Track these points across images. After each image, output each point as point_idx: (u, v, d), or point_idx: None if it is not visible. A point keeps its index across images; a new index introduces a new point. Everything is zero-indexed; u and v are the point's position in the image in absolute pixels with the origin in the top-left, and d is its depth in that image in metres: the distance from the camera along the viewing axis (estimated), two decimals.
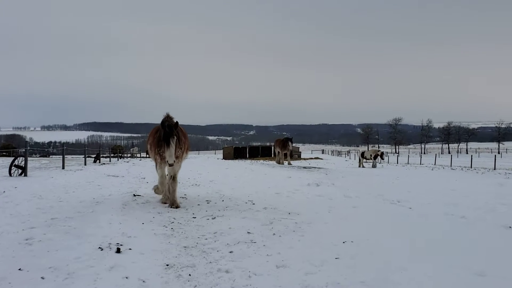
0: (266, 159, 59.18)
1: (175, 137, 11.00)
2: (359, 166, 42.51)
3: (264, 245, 7.46)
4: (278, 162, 43.70)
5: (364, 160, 43.27)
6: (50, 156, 75.77)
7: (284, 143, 43.85)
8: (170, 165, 10.72)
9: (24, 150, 22.61)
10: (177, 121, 11.54)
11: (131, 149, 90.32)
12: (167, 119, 11.42)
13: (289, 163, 42.74)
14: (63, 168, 28.41)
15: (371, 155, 42.48)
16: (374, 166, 41.38)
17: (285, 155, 43.99)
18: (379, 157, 42.15)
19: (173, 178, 11.97)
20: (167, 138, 10.78)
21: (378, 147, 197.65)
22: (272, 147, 66.20)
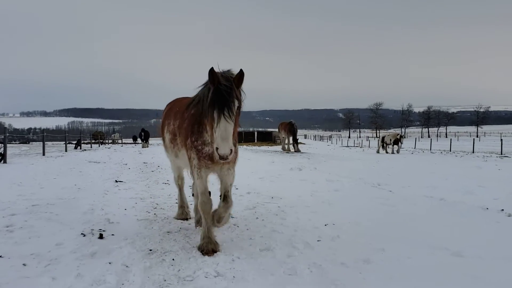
0: (249, 145, 59.07)
1: (236, 104, 5.55)
2: (377, 152, 38.84)
3: (247, 229, 7.52)
4: (284, 149, 38.01)
5: (384, 145, 39.67)
6: (30, 143, 74.61)
7: (290, 126, 37.76)
8: (222, 158, 5.25)
9: (3, 136, 22.21)
10: (240, 72, 5.64)
11: (113, 135, 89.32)
12: (222, 73, 5.71)
13: (296, 150, 36.44)
14: (43, 154, 28.08)
15: (391, 140, 38.80)
16: (397, 151, 37.66)
17: (294, 141, 37.45)
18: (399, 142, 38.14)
19: (225, 196, 6.42)
20: (223, 104, 5.37)
21: (359, 132, 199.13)
22: (273, 132, 64.51)
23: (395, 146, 38.18)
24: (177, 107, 7.39)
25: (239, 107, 5.54)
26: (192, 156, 6.26)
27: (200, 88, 6.03)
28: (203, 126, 5.97)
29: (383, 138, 40.30)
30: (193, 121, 6.17)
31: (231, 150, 5.18)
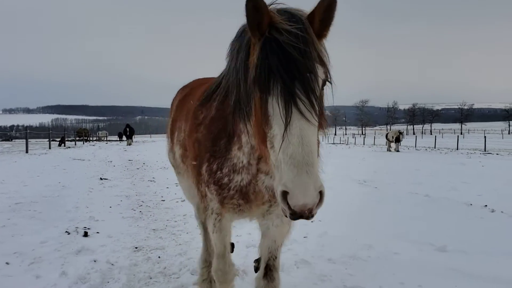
0: None
1: (321, 78, 2.45)
2: (387, 150, 37.86)
3: (234, 226, 7.49)
4: None
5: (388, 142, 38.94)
6: (13, 140, 73.65)
7: None
8: (300, 214, 2.20)
9: None
10: (328, 2, 2.42)
11: (99, 133, 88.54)
12: (281, 9, 2.56)
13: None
14: (26, 152, 27.70)
15: (392, 137, 37.94)
16: (396, 149, 37.18)
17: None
18: (399, 139, 37.59)
19: (270, 268, 3.76)
20: (292, 77, 2.32)
21: (346, 129, 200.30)
22: None
23: (396, 143, 37.67)
24: (194, 97, 4.16)
25: (324, 84, 2.50)
26: (207, 194, 3.47)
27: (227, 56, 3.05)
28: (235, 136, 3.14)
29: (386, 135, 39.80)
30: (214, 129, 3.32)
31: (320, 193, 2.21)
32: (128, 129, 50.93)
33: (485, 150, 35.62)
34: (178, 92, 5.43)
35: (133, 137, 52.73)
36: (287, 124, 2.24)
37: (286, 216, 2.26)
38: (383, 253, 5.90)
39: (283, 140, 2.23)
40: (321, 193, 2.19)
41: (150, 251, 6.07)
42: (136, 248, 6.21)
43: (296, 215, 2.20)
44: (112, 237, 6.71)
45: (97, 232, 7.01)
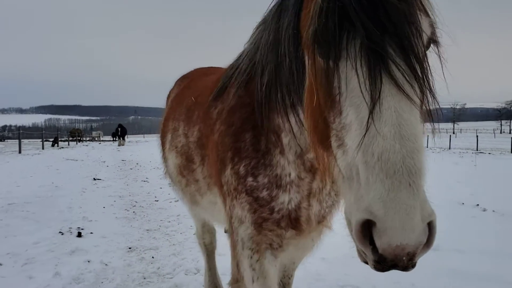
0: None
1: (426, 36, 1.55)
2: None
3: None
4: None
5: None
6: (6, 141, 73.34)
7: None
8: (396, 261, 1.32)
9: None
10: None
11: (93, 133, 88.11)
12: None
13: None
14: (19, 152, 27.55)
15: None
16: None
17: None
18: None
19: (287, 285, 3.38)
20: (382, 27, 1.44)
21: None
22: None
23: None
24: (197, 90, 3.47)
25: (428, 46, 1.62)
26: (235, 210, 2.50)
27: (255, 30, 2.51)
28: (270, 133, 2.37)
29: None
30: (235, 121, 2.52)
31: (429, 226, 1.36)
32: (120, 129, 50.25)
33: (477, 150, 35.83)
34: (175, 83, 4.56)
35: (125, 137, 52.17)
36: (374, 103, 1.39)
37: (365, 262, 1.46)
38: None
39: (366, 131, 1.38)
40: (431, 226, 1.34)
41: (144, 252, 6.07)
42: (129, 248, 6.21)
43: (385, 263, 1.32)
44: (105, 238, 6.70)
45: (91, 233, 7.00)
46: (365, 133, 1.39)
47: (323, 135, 1.65)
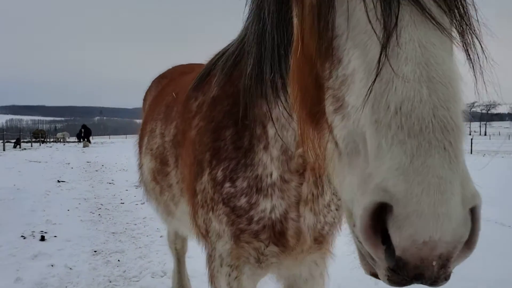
0: None
1: None
2: None
3: None
4: None
5: None
6: None
7: None
8: (422, 273, 0.92)
9: None
10: None
11: (58, 134, 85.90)
12: None
13: None
14: None
15: None
16: None
17: None
18: None
19: None
20: None
21: None
22: None
23: None
24: (177, 87, 3.20)
25: None
26: (211, 224, 2.18)
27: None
28: (255, 126, 2.02)
29: None
30: (216, 115, 2.19)
31: (472, 211, 0.93)
32: (84, 130, 49.14)
33: (471, 153, 36.55)
34: (152, 84, 4.23)
35: (90, 138, 51.11)
36: (388, 34, 1.02)
37: (373, 275, 1.07)
38: None
39: (377, 75, 0.99)
40: (474, 216, 0.94)
41: (110, 255, 6.01)
42: (95, 251, 6.13)
43: (406, 271, 0.93)
44: (70, 241, 6.59)
45: (55, 236, 6.87)
46: (375, 78, 0.99)
47: (313, 101, 1.25)
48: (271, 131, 1.91)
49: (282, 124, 1.84)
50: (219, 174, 2.03)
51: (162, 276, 5.22)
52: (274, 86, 1.75)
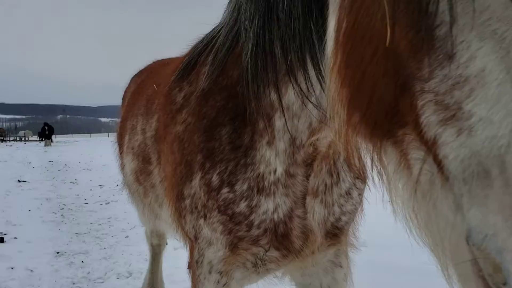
0: None
1: None
2: None
3: None
4: None
5: None
6: None
7: None
8: None
9: None
10: None
11: (20, 132, 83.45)
12: None
13: None
14: None
15: None
16: None
17: None
18: None
19: None
20: None
21: None
22: None
23: None
24: (159, 78, 2.89)
25: None
26: (202, 233, 1.97)
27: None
28: (258, 121, 1.78)
29: None
30: (208, 111, 1.93)
31: None
32: (47, 128, 47.90)
33: None
34: (131, 80, 4.03)
35: (53, 137, 49.89)
36: None
37: None
38: None
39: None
40: None
41: (73, 256, 5.88)
42: (57, 253, 6.00)
43: None
44: (31, 242, 6.42)
45: (15, 238, 6.69)
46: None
47: (381, 104, 0.96)
48: (279, 122, 1.69)
49: (294, 113, 1.63)
50: (215, 179, 1.82)
51: (127, 277, 5.14)
52: (288, 70, 1.51)
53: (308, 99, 1.51)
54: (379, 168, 1.06)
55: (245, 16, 1.65)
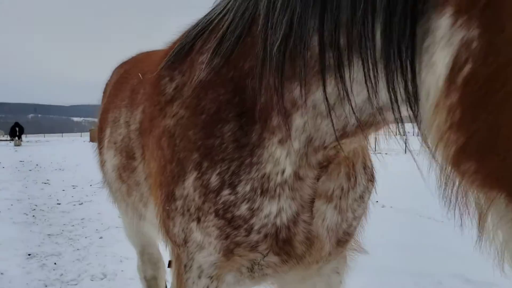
0: None
1: None
2: None
3: None
4: None
5: None
6: None
7: None
8: None
9: None
10: None
11: None
12: None
13: None
14: None
15: None
16: None
17: None
18: None
19: None
20: None
21: None
22: None
23: None
24: (145, 67, 2.66)
25: None
26: (192, 237, 1.78)
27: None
28: (268, 118, 1.58)
29: None
30: (208, 105, 1.71)
31: None
32: (17, 128, 46.91)
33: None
34: (113, 72, 3.71)
35: (24, 136, 48.81)
36: None
37: None
38: None
39: None
40: None
41: (45, 258, 5.75)
42: (29, 255, 5.85)
43: None
44: (1, 244, 6.26)
45: None
46: None
47: None
48: (299, 121, 1.48)
49: (319, 112, 1.42)
50: (214, 180, 1.63)
51: (102, 279, 5.05)
52: (327, 68, 1.30)
53: (349, 102, 1.29)
54: (480, 213, 1.01)
55: (272, 2, 1.41)
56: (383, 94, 1.19)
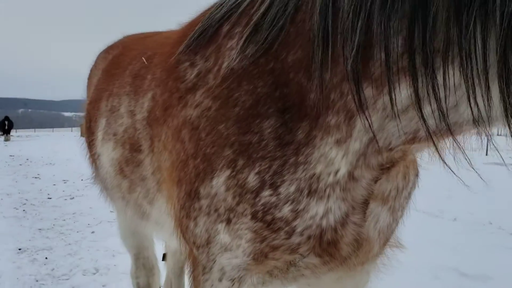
0: None
1: None
2: None
3: None
4: None
5: None
6: None
7: None
8: None
9: None
10: None
11: None
12: None
13: None
14: None
15: None
16: None
17: None
18: None
19: None
20: None
21: None
22: None
23: None
24: (147, 50, 2.49)
25: None
26: (218, 239, 1.61)
27: None
28: (321, 115, 1.40)
29: None
30: (244, 98, 1.51)
31: None
32: (7, 122, 46.51)
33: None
34: (97, 58, 3.43)
35: (14, 131, 48.41)
36: None
37: None
38: None
39: None
40: None
41: (36, 252, 5.68)
42: (19, 249, 5.78)
43: None
44: None
45: None
46: None
47: None
48: (363, 121, 1.31)
49: (388, 113, 1.28)
50: (252, 179, 1.47)
51: (94, 274, 4.99)
52: (423, 60, 1.10)
53: (441, 107, 1.14)
54: None
55: None
56: (481, 105, 1.05)
